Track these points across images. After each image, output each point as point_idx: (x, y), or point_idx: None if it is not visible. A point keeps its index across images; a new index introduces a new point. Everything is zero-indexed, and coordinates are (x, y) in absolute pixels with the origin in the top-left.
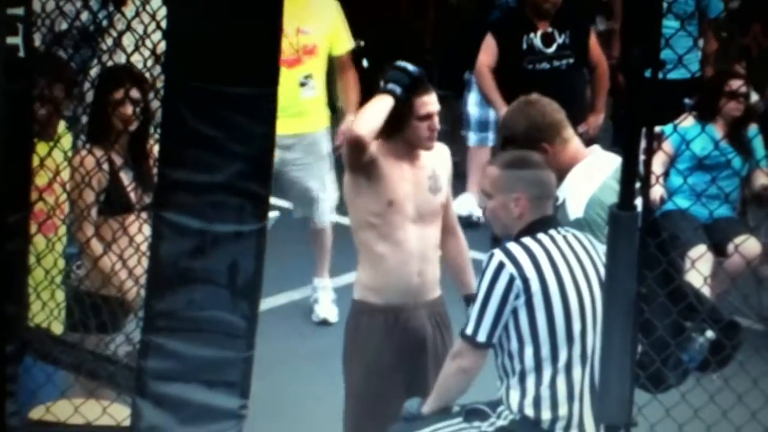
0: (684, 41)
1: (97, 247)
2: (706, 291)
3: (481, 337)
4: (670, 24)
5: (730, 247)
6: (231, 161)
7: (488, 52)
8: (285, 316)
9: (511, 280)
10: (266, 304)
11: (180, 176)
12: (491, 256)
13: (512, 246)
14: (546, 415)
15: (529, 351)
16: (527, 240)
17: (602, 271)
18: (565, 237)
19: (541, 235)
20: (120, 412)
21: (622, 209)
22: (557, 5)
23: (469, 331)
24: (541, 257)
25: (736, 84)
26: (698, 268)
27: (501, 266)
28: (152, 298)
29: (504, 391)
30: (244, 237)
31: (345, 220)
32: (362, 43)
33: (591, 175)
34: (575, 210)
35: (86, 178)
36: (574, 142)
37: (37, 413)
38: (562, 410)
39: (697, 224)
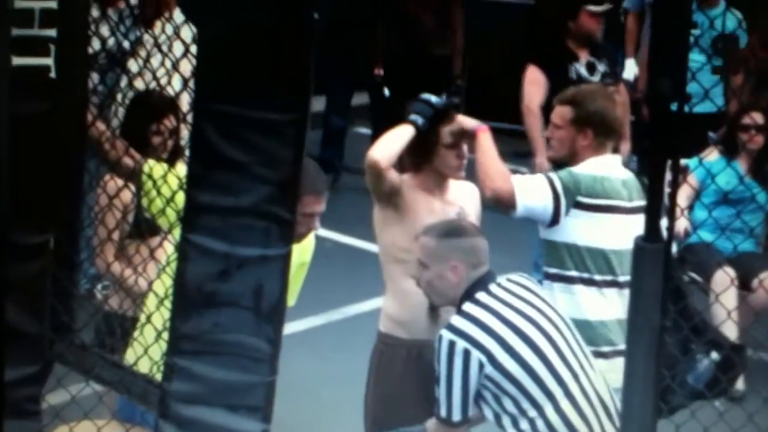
0: (710, 75)
1: (117, 268)
2: (731, 324)
3: (456, 416)
4: (696, 58)
5: (755, 282)
6: (258, 185)
7: (539, 87)
8: (306, 341)
9: (467, 354)
10: (288, 328)
11: (207, 199)
12: (440, 339)
13: (456, 320)
14: None
15: (524, 403)
16: (468, 307)
17: (542, 295)
18: (500, 285)
19: (480, 295)
20: None
21: (647, 241)
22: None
23: (443, 413)
24: (487, 318)
25: (756, 117)
26: (722, 302)
27: (452, 345)
28: (177, 320)
29: None
30: (269, 261)
31: (371, 246)
32: (382, 72)
33: (595, 165)
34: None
35: (111, 200)
36: (604, 152)
37: None
38: (583, 430)
39: (722, 258)
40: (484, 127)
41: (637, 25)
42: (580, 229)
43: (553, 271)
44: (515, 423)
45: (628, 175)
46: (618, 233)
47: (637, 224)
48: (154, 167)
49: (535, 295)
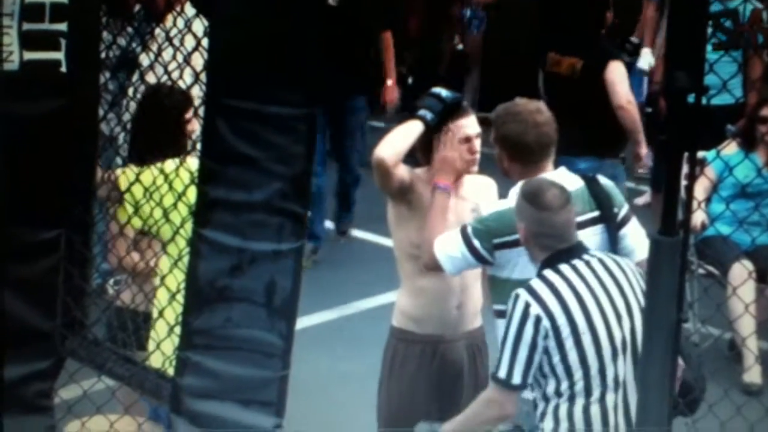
0: (728, 67)
1: (129, 263)
2: (748, 318)
3: (516, 379)
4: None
5: None
6: (270, 180)
7: (627, 81)
8: (318, 336)
9: (538, 320)
10: (300, 324)
11: (219, 194)
12: (516, 297)
13: (536, 284)
14: None
15: (564, 385)
16: (549, 273)
17: (629, 290)
18: (588, 263)
19: (563, 267)
20: (154, 429)
21: (663, 235)
22: None
23: (502, 374)
24: (565, 292)
25: None
26: (740, 295)
27: (527, 306)
28: (189, 315)
29: (537, 420)
30: (282, 256)
31: (384, 240)
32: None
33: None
34: (484, 210)
35: (123, 195)
36: (537, 172)
37: (72, 428)
38: None
39: (739, 251)
40: (446, 185)
41: (657, 14)
42: (512, 265)
43: (499, 308)
44: (546, 401)
45: (573, 189)
46: None
47: (587, 237)
48: (143, 173)
49: (611, 276)
